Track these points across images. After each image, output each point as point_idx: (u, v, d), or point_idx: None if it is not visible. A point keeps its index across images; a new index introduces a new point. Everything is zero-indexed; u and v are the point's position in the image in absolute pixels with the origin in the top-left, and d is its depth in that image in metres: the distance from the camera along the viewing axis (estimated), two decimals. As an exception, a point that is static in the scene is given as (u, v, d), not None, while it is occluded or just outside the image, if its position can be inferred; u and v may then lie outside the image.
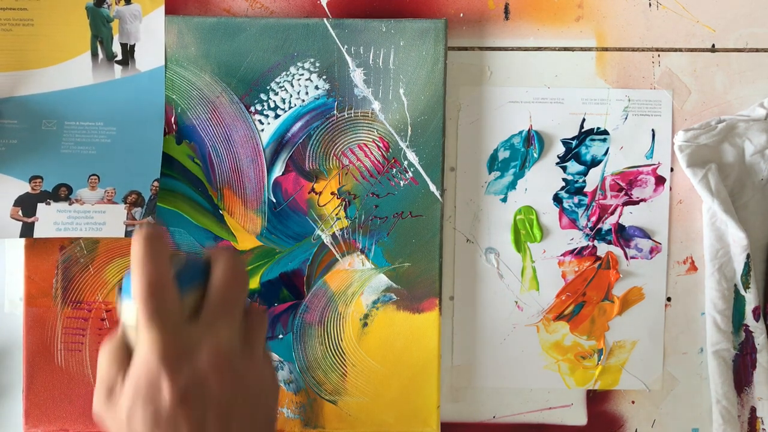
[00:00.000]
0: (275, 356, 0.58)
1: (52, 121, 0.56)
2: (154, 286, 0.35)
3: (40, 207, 0.55)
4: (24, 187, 0.55)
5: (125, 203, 0.55)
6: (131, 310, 0.36)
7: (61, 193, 0.56)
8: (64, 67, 0.56)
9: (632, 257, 0.59)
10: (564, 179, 0.58)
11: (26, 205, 0.55)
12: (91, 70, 0.56)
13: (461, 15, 0.58)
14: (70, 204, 0.56)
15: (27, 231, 0.55)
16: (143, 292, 0.35)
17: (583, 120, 0.58)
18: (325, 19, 0.56)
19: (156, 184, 0.56)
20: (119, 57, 0.56)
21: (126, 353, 0.37)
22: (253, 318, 0.39)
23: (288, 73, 0.57)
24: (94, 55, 0.56)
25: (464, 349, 0.59)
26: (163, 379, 0.35)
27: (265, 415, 0.38)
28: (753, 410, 0.59)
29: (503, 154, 0.58)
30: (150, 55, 0.56)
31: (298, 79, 0.57)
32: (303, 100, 0.57)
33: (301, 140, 0.57)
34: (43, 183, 0.56)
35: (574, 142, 0.58)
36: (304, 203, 0.57)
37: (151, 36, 0.56)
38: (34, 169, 0.56)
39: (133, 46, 0.56)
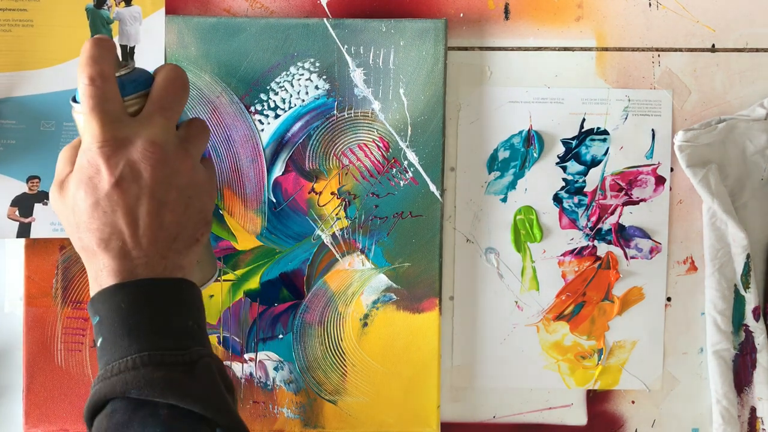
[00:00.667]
0: (274, 356, 0.58)
1: (50, 122, 0.55)
2: (96, 81, 0.39)
3: (38, 207, 0.55)
4: (21, 188, 0.55)
5: None
6: (79, 110, 0.40)
7: None
8: (64, 68, 0.56)
9: (632, 257, 0.59)
10: (564, 179, 0.58)
11: (23, 205, 0.55)
12: None
13: (461, 15, 0.58)
14: None
15: (24, 231, 0.55)
16: (85, 86, 0.38)
17: (583, 120, 0.58)
18: (325, 19, 0.56)
19: None
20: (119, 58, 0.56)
21: (76, 152, 0.41)
22: (194, 126, 0.43)
23: (288, 73, 0.57)
24: None
25: (464, 349, 0.59)
26: (102, 165, 0.38)
27: (198, 211, 0.42)
28: (753, 410, 0.59)
29: (503, 154, 0.58)
30: (150, 57, 0.56)
31: (298, 79, 0.57)
32: (303, 100, 0.57)
33: (301, 140, 0.57)
34: (41, 183, 0.56)
35: (574, 142, 0.58)
36: (304, 203, 0.57)
37: (151, 38, 0.56)
38: (31, 169, 0.56)
39: (132, 48, 0.56)
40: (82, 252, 0.41)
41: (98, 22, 0.56)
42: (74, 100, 0.42)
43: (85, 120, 0.39)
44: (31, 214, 0.55)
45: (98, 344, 0.39)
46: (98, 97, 0.39)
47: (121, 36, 0.56)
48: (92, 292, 0.40)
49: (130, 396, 0.37)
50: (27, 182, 0.55)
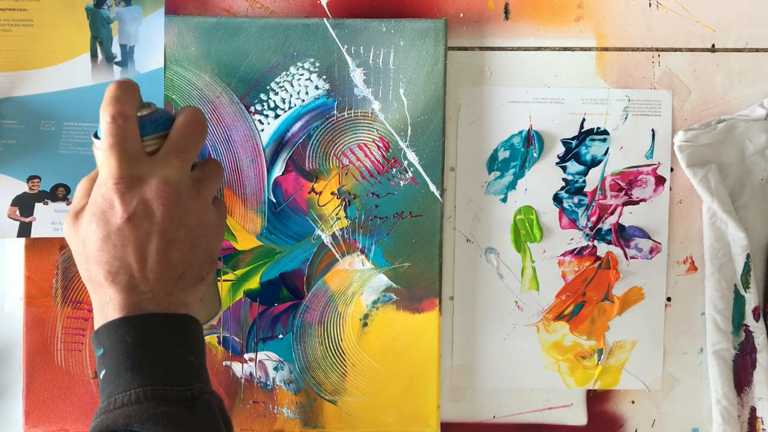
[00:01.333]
0: (274, 356, 0.58)
1: (50, 122, 0.55)
2: (117, 120, 0.40)
3: (38, 207, 0.55)
4: (22, 187, 0.55)
5: None
6: (99, 147, 0.42)
7: (59, 193, 0.56)
8: (64, 68, 0.56)
9: (632, 257, 0.59)
10: (564, 179, 0.58)
11: (24, 205, 0.55)
12: (90, 71, 0.56)
13: (461, 15, 0.58)
14: (68, 204, 0.56)
15: (24, 231, 0.55)
16: (107, 124, 0.40)
17: (583, 120, 0.58)
18: (325, 19, 0.56)
19: None
20: (118, 58, 0.56)
21: (94, 186, 0.42)
22: (209, 167, 0.44)
23: (288, 73, 0.57)
24: (94, 56, 0.56)
25: (464, 349, 0.59)
26: (116, 200, 0.40)
27: (205, 250, 0.43)
28: (753, 410, 0.59)
29: (503, 154, 0.58)
30: (149, 57, 0.56)
31: (298, 79, 0.57)
32: (303, 100, 0.57)
33: (301, 140, 0.57)
34: (41, 183, 0.56)
35: (574, 142, 0.58)
36: (304, 203, 0.57)
37: (151, 38, 0.56)
38: (32, 169, 0.56)
39: (132, 48, 0.56)
40: (89, 283, 0.42)
41: (98, 21, 0.56)
42: (96, 135, 0.43)
43: (104, 156, 0.41)
44: (31, 214, 0.55)
45: (101, 376, 0.40)
46: (118, 136, 0.40)
47: (121, 36, 0.56)
48: (97, 324, 0.41)
49: (133, 429, 0.38)
50: (27, 182, 0.55)
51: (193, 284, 0.42)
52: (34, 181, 0.55)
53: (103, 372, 0.40)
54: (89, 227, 0.40)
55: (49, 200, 0.55)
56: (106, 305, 0.40)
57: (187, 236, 0.41)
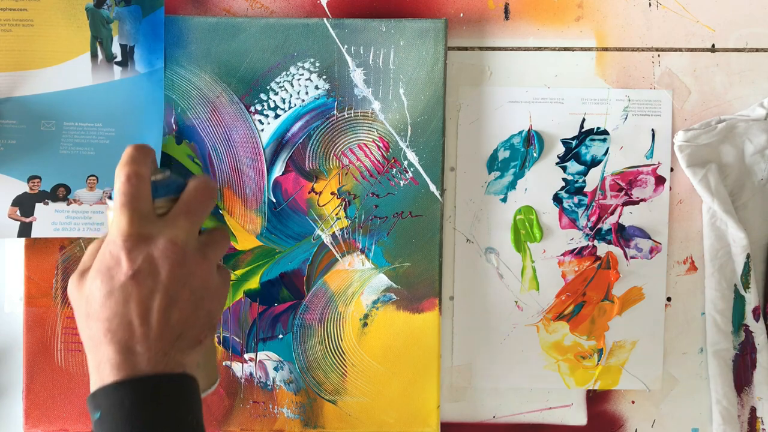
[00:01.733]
0: (274, 356, 0.58)
1: (51, 122, 0.55)
2: (132, 179, 0.41)
3: (38, 207, 0.55)
4: (22, 187, 0.55)
5: None
6: (112, 208, 0.42)
7: (60, 194, 0.56)
8: (64, 68, 0.56)
9: (632, 257, 0.59)
10: (564, 179, 0.58)
11: (24, 205, 0.55)
12: (90, 71, 0.56)
13: (461, 15, 0.58)
14: (68, 204, 0.56)
15: (25, 231, 0.55)
16: (121, 183, 0.41)
17: (583, 120, 0.58)
18: (325, 19, 0.56)
19: None
20: (119, 58, 0.56)
21: None
22: (216, 233, 0.45)
23: (288, 73, 0.57)
24: (94, 56, 0.56)
25: (464, 349, 0.59)
26: (122, 257, 0.40)
27: (206, 313, 0.43)
28: (753, 410, 0.59)
29: (503, 154, 0.58)
30: (149, 57, 0.56)
31: (298, 79, 0.57)
32: (303, 100, 0.57)
33: (301, 140, 0.57)
34: (42, 183, 0.55)
35: (574, 142, 0.58)
36: (304, 203, 0.57)
37: (151, 38, 0.56)
38: (32, 169, 0.56)
39: (132, 48, 0.56)
40: (88, 342, 0.41)
41: (98, 21, 0.56)
42: (110, 197, 0.44)
43: (115, 214, 0.41)
44: (32, 214, 0.55)
45: None
46: (131, 195, 0.41)
47: (121, 35, 0.56)
48: (93, 385, 0.40)
49: None
50: (28, 182, 0.55)
51: (190, 346, 0.42)
52: (35, 181, 0.55)
53: None
54: (94, 284, 0.41)
55: (50, 200, 0.55)
56: (102, 365, 0.40)
57: (190, 297, 0.41)
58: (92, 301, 0.40)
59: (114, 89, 0.56)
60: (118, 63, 0.56)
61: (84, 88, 0.56)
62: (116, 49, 0.56)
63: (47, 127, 0.56)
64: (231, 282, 0.58)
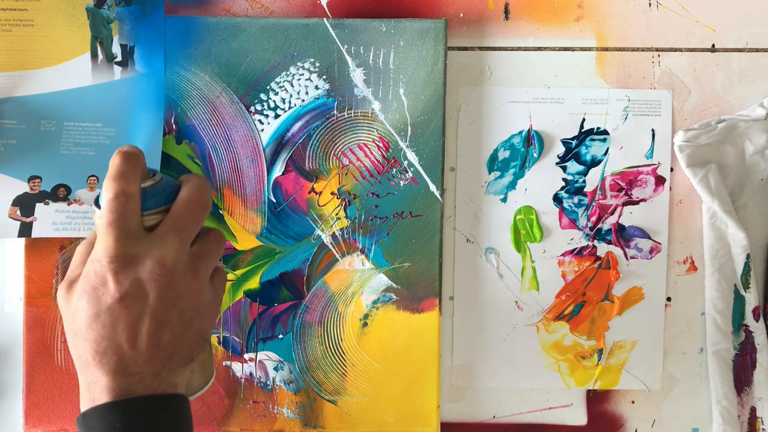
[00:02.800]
0: (274, 356, 0.58)
1: (51, 122, 0.55)
2: (120, 197, 0.40)
3: (39, 207, 0.55)
4: (23, 187, 0.55)
5: None
6: (99, 217, 0.41)
7: (60, 194, 0.56)
8: (64, 68, 0.56)
9: (632, 257, 0.59)
10: (564, 179, 0.58)
11: (24, 205, 0.55)
12: (90, 71, 0.56)
13: (461, 15, 0.58)
14: (68, 204, 0.56)
15: (25, 231, 0.55)
16: (109, 201, 0.40)
17: (583, 120, 0.58)
18: (325, 19, 0.56)
19: None
20: (119, 58, 0.56)
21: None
22: (209, 241, 0.43)
23: (288, 73, 0.57)
24: (94, 56, 0.56)
25: (464, 349, 0.59)
26: (109, 278, 0.39)
27: (197, 332, 0.42)
28: (753, 410, 0.59)
29: (503, 154, 0.58)
30: (150, 57, 0.56)
31: (298, 79, 0.57)
32: (303, 100, 0.57)
33: (301, 140, 0.57)
34: (42, 183, 0.55)
35: (574, 142, 0.58)
36: (304, 203, 0.57)
37: (151, 38, 0.56)
38: (32, 169, 0.56)
39: (132, 47, 0.56)
40: (77, 359, 0.41)
41: (98, 21, 0.56)
42: (97, 203, 0.43)
43: (101, 231, 0.40)
44: (32, 214, 0.55)
45: None
46: (118, 213, 0.40)
47: (121, 35, 0.56)
48: (83, 404, 0.40)
49: None
50: (28, 182, 0.55)
51: (183, 365, 0.41)
52: (35, 181, 0.55)
53: None
54: (80, 302, 0.40)
55: (50, 200, 0.55)
56: (93, 385, 0.39)
57: (180, 319, 0.41)
58: (78, 319, 0.40)
59: (114, 89, 0.56)
60: (118, 63, 0.56)
61: (84, 88, 0.56)
62: (116, 49, 0.56)
63: (47, 127, 0.56)
64: (231, 282, 0.58)
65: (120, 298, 0.39)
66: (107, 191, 0.40)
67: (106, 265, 0.39)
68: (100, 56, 0.56)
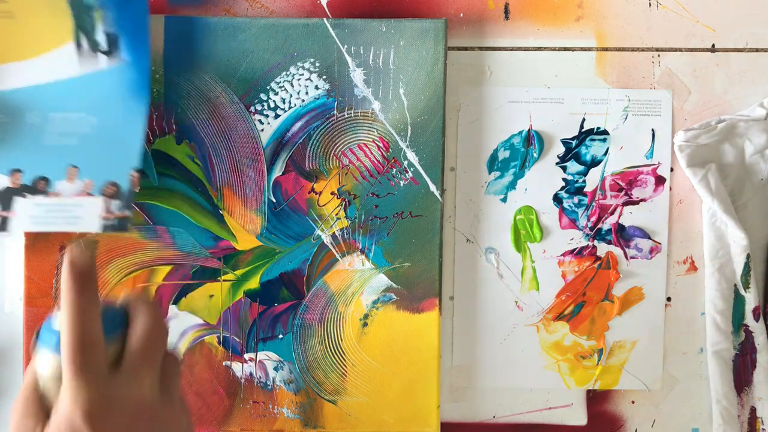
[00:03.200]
0: (274, 356, 0.58)
1: (35, 113, 0.55)
2: (84, 340, 0.35)
3: (17, 200, 0.54)
4: (4, 182, 0.54)
5: (103, 195, 0.53)
6: (50, 361, 0.36)
7: (40, 186, 0.54)
8: (48, 59, 0.55)
9: (632, 257, 0.59)
10: (564, 179, 0.58)
11: (4, 198, 0.54)
12: (75, 61, 0.55)
13: (461, 15, 0.58)
14: (47, 197, 0.54)
15: (2, 225, 0.54)
16: (72, 346, 0.34)
17: (583, 120, 0.58)
18: (325, 19, 0.56)
19: (135, 174, 0.54)
20: (103, 47, 0.55)
21: (41, 405, 0.36)
22: (169, 364, 0.39)
23: (288, 73, 0.57)
24: (78, 45, 0.55)
25: (464, 349, 0.59)
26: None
27: None
28: (753, 410, 0.59)
29: (503, 154, 0.58)
30: (135, 45, 0.55)
31: (298, 79, 0.57)
32: (303, 100, 0.57)
33: (301, 140, 0.57)
34: (23, 176, 0.55)
35: (574, 142, 0.58)
36: (304, 203, 0.57)
37: (136, 25, 0.55)
38: (14, 162, 0.54)
39: (117, 36, 0.55)
40: None
41: (81, 10, 0.55)
42: (38, 335, 0.37)
43: (67, 380, 0.35)
44: (10, 208, 0.54)
45: None
46: (87, 357, 0.35)
47: (105, 24, 0.55)
48: None
49: None
50: (9, 175, 0.54)
51: None
52: (16, 175, 0.55)
53: None
54: None
55: (29, 193, 0.54)
56: None
57: None
58: None
59: (98, 78, 0.55)
60: (102, 52, 0.55)
61: (68, 78, 0.55)
62: (100, 38, 0.55)
63: (32, 119, 0.55)
64: (231, 282, 0.58)
65: None
66: (68, 333, 0.35)
67: (81, 419, 0.34)
68: (85, 46, 0.55)
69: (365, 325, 0.58)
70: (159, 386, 0.38)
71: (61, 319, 0.35)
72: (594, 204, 0.58)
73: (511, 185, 0.58)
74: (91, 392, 0.35)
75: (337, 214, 0.57)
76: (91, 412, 0.34)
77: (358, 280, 0.58)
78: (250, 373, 0.58)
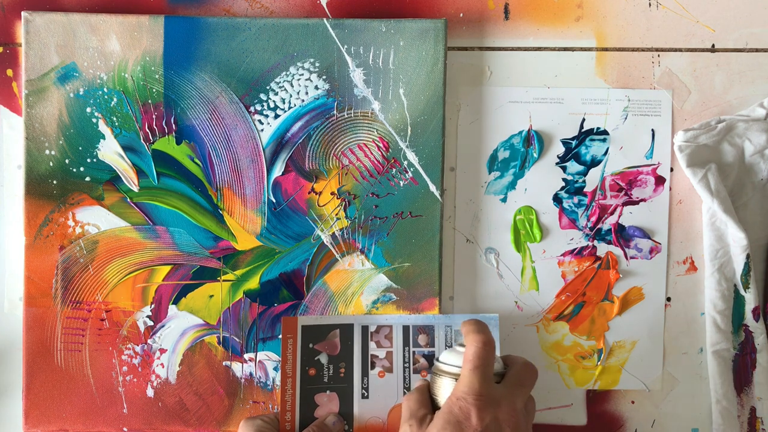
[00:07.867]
0: (274, 356, 0.58)
1: None
2: (487, 346, 0.48)
3: None
4: None
5: None
6: (455, 359, 0.50)
7: None
8: None
9: (632, 257, 0.59)
10: (564, 179, 0.58)
11: None
12: None
13: (461, 15, 0.58)
14: None
15: None
16: (478, 349, 0.48)
17: (583, 120, 0.58)
18: (325, 19, 0.56)
19: None
20: None
21: (429, 399, 0.50)
22: (531, 404, 0.50)
23: (288, 73, 0.57)
24: None
25: (464, 349, 0.59)
26: (473, 413, 0.46)
27: None
28: (753, 410, 0.59)
29: (503, 154, 0.58)
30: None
31: (298, 79, 0.57)
32: (303, 100, 0.57)
33: (300, 140, 0.57)
34: None
35: (573, 142, 0.58)
36: (304, 203, 0.57)
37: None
38: None
39: None
40: None
41: None
42: (438, 359, 0.51)
43: (466, 373, 0.47)
44: None
45: None
46: (484, 359, 0.48)
47: None
48: None
49: None
50: None
51: None
52: None
53: None
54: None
55: None
56: None
57: None
58: None
59: None
60: None
61: None
62: None
63: None
64: (231, 282, 0.58)
65: (481, 430, 0.45)
66: (476, 341, 0.48)
67: (472, 402, 0.46)
68: None
69: (365, 325, 0.58)
70: (524, 407, 0.49)
71: (468, 332, 0.49)
72: (594, 204, 0.59)
73: (511, 185, 0.58)
74: (483, 386, 0.47)
75: (336, 214, 0.57)
76: (480, 400, 0.46)
77: (358, 280, 0.58)
78: (250, 373, 0.58)
